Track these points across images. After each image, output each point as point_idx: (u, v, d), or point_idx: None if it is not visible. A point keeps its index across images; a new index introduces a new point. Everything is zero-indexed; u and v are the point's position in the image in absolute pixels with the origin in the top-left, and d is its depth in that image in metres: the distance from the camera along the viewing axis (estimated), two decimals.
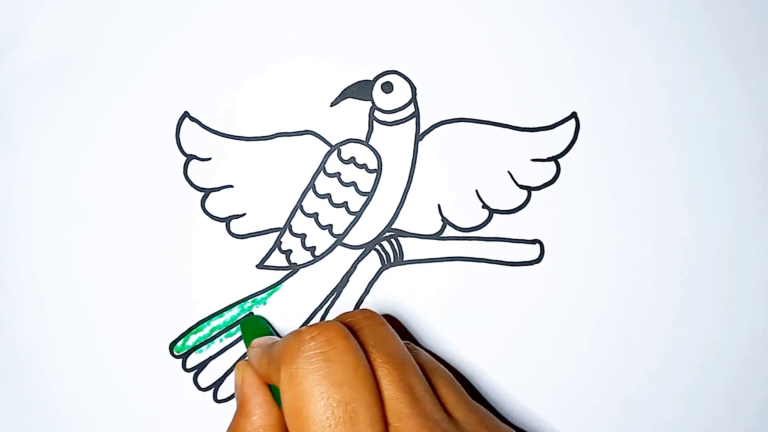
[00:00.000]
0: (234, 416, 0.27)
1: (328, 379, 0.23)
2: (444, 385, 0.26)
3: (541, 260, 0.31)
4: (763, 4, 0.32)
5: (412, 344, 0.28)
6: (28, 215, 0.32)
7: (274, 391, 0.26)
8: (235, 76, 0.32)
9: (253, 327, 0.29)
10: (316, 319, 0.32)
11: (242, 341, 0.32)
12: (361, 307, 0.31)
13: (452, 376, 0.27)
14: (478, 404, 0.27)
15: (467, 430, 0.25)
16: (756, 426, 0.31)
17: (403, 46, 0.32)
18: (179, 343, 0.32)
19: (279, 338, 0.27)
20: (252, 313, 0.31)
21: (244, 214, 0.32)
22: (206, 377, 0.32)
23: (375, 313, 0.26)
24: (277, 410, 0.26)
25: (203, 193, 0.32)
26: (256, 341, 0.28)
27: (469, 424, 0.25)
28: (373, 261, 0.32)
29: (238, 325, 0.32)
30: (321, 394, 0.23)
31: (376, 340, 0.25)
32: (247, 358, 0.28)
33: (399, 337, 0.26)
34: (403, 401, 0.24)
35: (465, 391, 0.27)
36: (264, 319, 0.31)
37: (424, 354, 0.27)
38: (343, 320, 0.26)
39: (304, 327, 0.24)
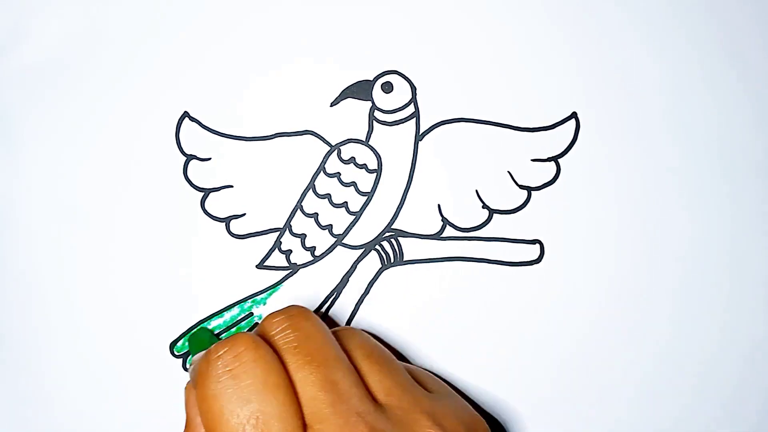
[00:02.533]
0: None
1: (236, 395, 0.23)
2: (377, 371, 0.26)
3: (541, 260, 0.31)
4: (764, 5, 0.32)
5: (349, 328, 0.28)
6: (28, 215, 0.32)
7: None
8: (235, 76, 0.32)
9: (197, 343, 0.29)
10: None
11: None
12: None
13: (390, 356, 0.27)
14: (417, 385, 0.26)
15: (398, 415, 0.25)
16: (756, 427, 0.31)
17: (403, 46, 0.32)
18: (179, 343, 0.32)
19: None
20: (202, 327, 0.31)
21: (244, 214, 0.32)
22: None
23: (302, 308, 0.26)
24: None
25: (203, 193, 0.32)
26: (194, 358, 0.27)
27: (402, 409, 0.25)
28: (373, 261, 0.32)
29: (238, 326, 0.32)
30: (230, 413, 0.23)
31: (298, 340, 0.25)
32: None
33: (327, 330, 0.26)
34: (324, 401, 0.24)
35: (405, 372, 0.26)
36: (207, 330, 0.31)
37: (357, 338, 0.27)
38: (264, 324, 0.26)
39: (214, 345, 0.24)
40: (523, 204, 0.32)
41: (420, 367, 0.30)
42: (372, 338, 0.28)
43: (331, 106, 0.32)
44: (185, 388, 0.27)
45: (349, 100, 0.32)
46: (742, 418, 0.31)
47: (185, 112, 0.32)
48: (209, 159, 0.32)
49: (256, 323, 0.32)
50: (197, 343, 0.28)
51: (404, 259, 0.32)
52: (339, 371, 0.24)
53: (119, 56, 0.32)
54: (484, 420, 0.27)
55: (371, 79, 0.32)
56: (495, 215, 0.32)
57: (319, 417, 0.23)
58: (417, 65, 0.32)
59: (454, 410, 0.26)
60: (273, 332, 0.25)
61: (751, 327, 0.31)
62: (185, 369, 0.32)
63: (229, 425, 0.23)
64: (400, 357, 0.31)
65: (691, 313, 0.31)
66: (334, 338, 0.26)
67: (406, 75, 0.32)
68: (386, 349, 0.27)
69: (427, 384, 0.28)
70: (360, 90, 0.32)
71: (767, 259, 0.31)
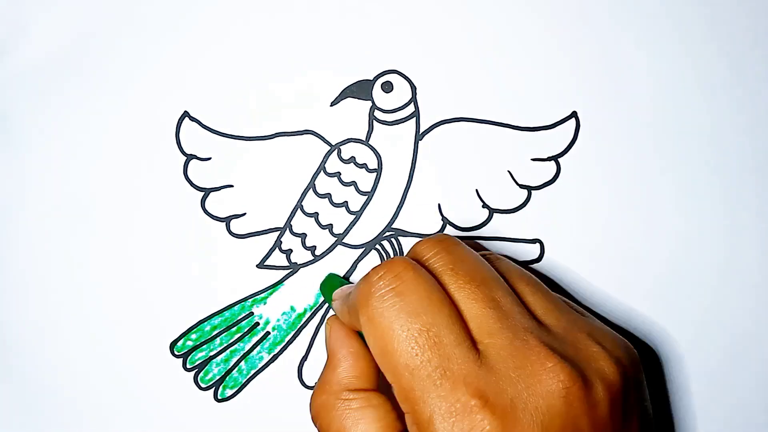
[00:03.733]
0: (323, 369, 0.27)
1: (403, 311, 0.23)
2: (530, 292, 0.26)
3: (541, 259, 0.31)
4: (761, 4, 0.32)
5: (493, 253, 0.28)
6: (28, 215, 0.32)
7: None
8: (236, 76, 0.32)
9: (329, 285, 0.29)
10: (316, 320, 0.32)
11: (244, 339, 0.32)
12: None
13: (538, 280, 0.27)
14: (567, 306, 0.26)
15: (560, 333, 0.24)
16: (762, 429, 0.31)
17: (403, 46, 0.32)
18: (179, 343, 0.32)
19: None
20: (330, 273, 0.31)
21: (244, 214, 0.32)
22: (207, 377, 0.32)
23: (448, 235, 0.26)
24: (363, 360, 0.26)
25: (203, 193, 0.32)
26: (335, 293, 0.28)
27: (562, 328, 0.25)
28: (373, 261, 0.32)
29: (238, 325, 0.32)
30: (400, 327, 0.23)
31: (453, 262, 0.25)
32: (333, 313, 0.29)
33: (476, 253, 0.26)
34: (491, 317, 0.24)
35: (554, 294, 0.26)
36: (336, 275, 0.31)
37: (505, 261, 0.27)
38: (416, 250, 0.26)
39: (372, 269, 0.24)
40: (523, 203, 0.32)
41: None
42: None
43: (331, 105, 0.32)
44: (326, 323, 0.27)
45: (349, 99, 0.32)
46: (745, 423, 0.31)
47: (185, 112, 0.32)
48: (209, 159, 0.32)
49: (257, 323, 0.32)
50: (329, 286, 0.29)
51: None
52: (499, 290, 0.24)
53: (119, 56, 0.32)
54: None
55: (371, 78, 0.32)
56: (495, 214, 0.32)
57: (488, 331, 0.23)
58: (417, 65, 0.32)
59: (609, 332, 0.26)
60: (426, 257, 0.25)
61: (753, 326, 0.31)
62: (185, 369, 0.32)
63: (400, 340, 0.23)
64: None
65: (691, 312, 0.31)
66: (486, 261, 0.26)
67: (406, 75, 0.32)
68: (531, 274, 0.27)
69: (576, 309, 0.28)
70: (360, 90, 0.32)
71: (762, 259, 0.31)
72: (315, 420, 0.26)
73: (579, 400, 0.23)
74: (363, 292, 0.24)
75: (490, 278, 0.25)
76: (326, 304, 0.32)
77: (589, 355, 0.24)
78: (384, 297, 0.24)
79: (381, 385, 0.26)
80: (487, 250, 0.30)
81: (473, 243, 0.31)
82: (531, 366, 0.23)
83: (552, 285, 0.31)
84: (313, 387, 0.31)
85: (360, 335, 0.27)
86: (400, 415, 0.25)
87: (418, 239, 0.31)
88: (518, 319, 0.24)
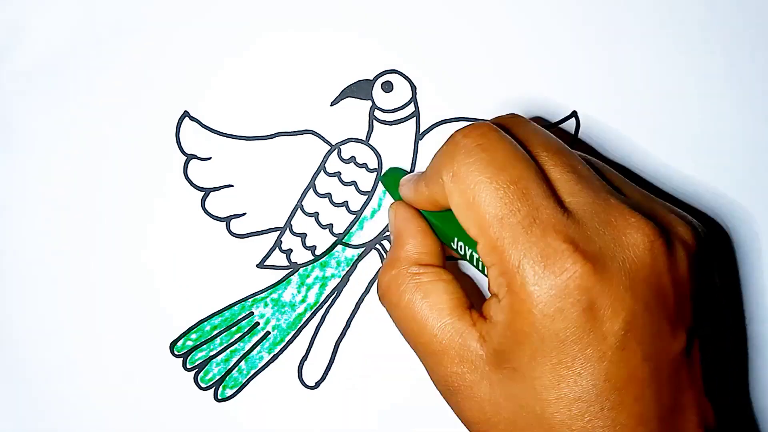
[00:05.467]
0: (390, 249, 0.27)
1: (492, 165, 0.23)
2: (606, 170, 0.26)
3: None
4: (762, 4, 0.32)
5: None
6: (27, 215, 0.32)
7: (429, 221, 0.27)
8: (236, 76, 0.32)
9: (393, 176, 0.29)
10: (316, 320, 0.32)
11: (244, 339, 0.32)
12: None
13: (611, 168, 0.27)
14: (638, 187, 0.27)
15: (638, 202, 0.25)
16: None
17: (403, 46, 0.32)
18: (179, 343, 0.32)
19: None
20: (391, 167, 0.31)
21: (245, 214, 0.32)
22: (207, 377, 0.32)
23: (522, 115, 0.27)
24: (431, 238, 0.27)
25: (203, 193, 0.32)
26: (404, 179, 0.28)
27: (638, 198, 0.25)
28: (373, 260, 0.32)
29: (238, 325, 0.32)
30: (489, 178, 0.23)
31: (529, 132, 0.25)
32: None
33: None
34: (571, 180, 0.24)
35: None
36: (399, 168, 0.31)
37: (579, 152, 0.27)
38: (493, 121, 0.26)
39: (455, 131, 0.25)
40: None
41: None
42: None
43: (332, 105, 0.32)
44: (390, 209, 0.28)
45: (349, 99, 0.32)
46: None
47: (185, 112, 0.32)
48: (209, 159, 0.32)
49: (257, 323, 0.32)
50: (392, 178, 0.29)
51: None
52: (575, 158, 0.25)
53: (119, 56, 0.32)
54: None
55: (371, 78, 0.32)
56: None
57: (570, 192, 0.24)
58: (417, 65, 0.32)
59: (680, 211, 0.26)
60: (504, 126, 0.25)
61: (756, 327, 0.31)
62: (185, 369, 0.32)
63: (488, 190, 0.23)
64: (401, 358, 0.31)
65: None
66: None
67: (406, 74, 0.32)
68: None
69: None
70: (360, 89, 0.32)
71: (766, 259, 0.31)
72: (383, 297, 0.27)
73: (663, 254, 0.23)
74: (448, 150, 0.24)
75: (567, 148, 0.25)
76: (326, 304, 0.32)
77: (668, 220, 0.24)
78: (471, 152, 0.24)
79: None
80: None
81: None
82: (615, 221, 0.23)
83: None
84: (314, 386, 0.31)
85: (424, 216, 0.27)
86: (468, 292, 0.26)
87: None
88: (597, 183, 0.24)
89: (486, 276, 0.24)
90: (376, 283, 0.27)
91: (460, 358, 0.24)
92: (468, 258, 0.26)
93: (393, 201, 0.29)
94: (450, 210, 0.25)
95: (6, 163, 0.32)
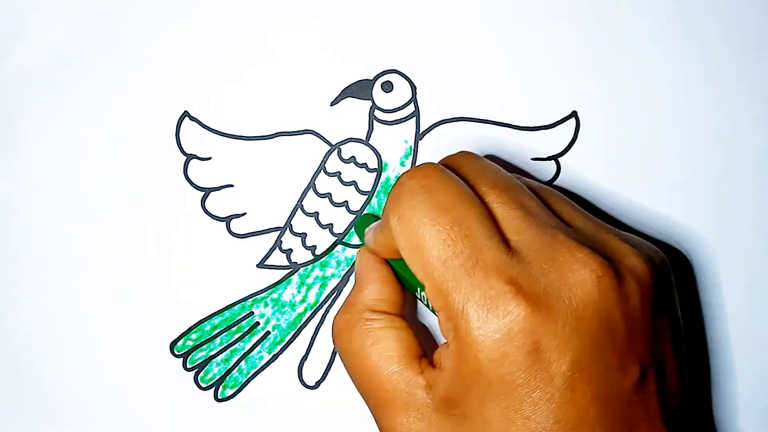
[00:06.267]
0: (349, 293, 0.27)
1: (435, 207, 0.23)
2: (557, 201, 0.26)
3: None
4: (761, 4, 0.32)
5: (518, 175, 0.28)
6: (27, 215, 0.32)
7: (394, 267, 0.27)
8: (235, 76, 0.32)
9: (365, 223, 0.29)
10: (316, 320, 0.32)
11: (244, 339, 0.32)
12: None
13: (563, 195, 0.27)
14: (593, 217, 0.26)
15: (589, 235, 0.24)
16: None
17: (403, 46, 0.32)
18: (179, 343, 0.32)
19: None
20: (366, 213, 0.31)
21: (245, 214, 0.32)
22: (207, 377, 0.32)
23: (472, 152, 0.27)
24: (390, 286, 0.27)
25: (203, 193, 0.32)
26: (367, 228, 0.28)
27: (590, 230, 0.25)
28: None
29: (238, 325, 0.32)
30: (432, 221, 0.23)
31: (477, 171, 0.25)
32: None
33: (497, 165, 0.26)
34: (518, 217, 0.24)
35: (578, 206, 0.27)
36: (371, 214, 0.31)
37: (531, 181, 0.27)
38: (442, 162, 0.26)
39: (401, 174, 0.25)
40: None
41: None
42: None
43: (332, 105, 0.32)
44: (358, 253, 0.28)
45: (349, 99, 0.32)
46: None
47: (185, 112, 0.32)
48: (209, 159, 0.32)
49: (257, 323, 0.32)
50: (363, 225, 0.29)
51: None
52: (524, 194, 0.25)
53: (119, 56, 0.32)
54: None
55: (371, 78, 0.32)
56: None
57: (516, 229, 0.23)
58: (417, 65, 0.32)
59: (637, 237, 0.26)
60: (452, 166, 0.26)
61: (756, 328, 0.31)
62: (185, 369, 0.32)
63: (431, 234, 0.23)
64: None
65: (691, 311, 0.31)
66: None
67: (406, 74, 0.32)
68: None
69: None
70: (360, 89, 0.32)
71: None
72: (335, 339, 0.27)
73: (611, 289, 0.22)
74: (394, 193, 0.24)
75: (515, 184, 0.25)
76: (326, 304, 0.32)
77: (620, 252, 0.24)
78: (414, 195, 0.24)
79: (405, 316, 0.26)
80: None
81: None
82: (562, 257, 0.23)
83: None
84: (314, 386, 0.31)
85: (389, 263, 0.27)
86: (420, 342, 0.25)
87: None
88: (545, 218, 0.24)
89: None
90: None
91: (406, 407, 0.24)
92: (428, 308, 0.26)
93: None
94: None
95: (6, 163, 0.32)
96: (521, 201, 0.24)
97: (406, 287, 0.27)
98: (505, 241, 0.23)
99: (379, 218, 0.30)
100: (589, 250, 0.23)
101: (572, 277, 0.22)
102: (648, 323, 0.23)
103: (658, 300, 0.24)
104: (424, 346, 0.26)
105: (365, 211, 0.31)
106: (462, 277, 0.22)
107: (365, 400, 0.26)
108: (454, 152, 0.27)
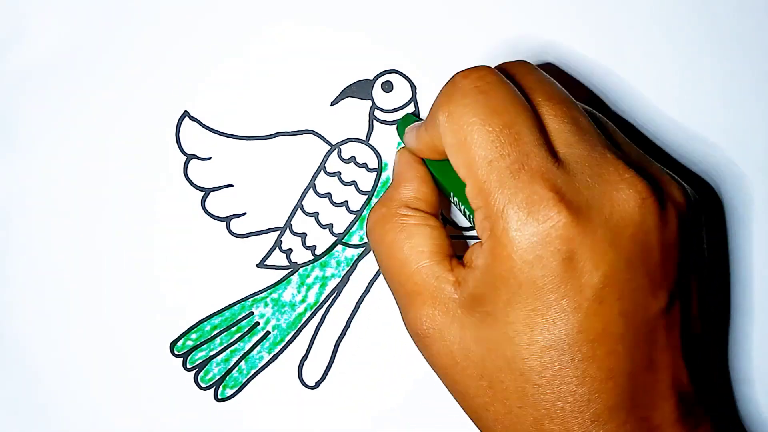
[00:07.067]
0: (386, 189, 0.28)
1: (487, 107, 0.23)
2: (607, 125, 0.26)
3: None
4: (761, 4, 0.32)
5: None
6: (27, 215, 0.32)
7: (431, 168, 0.27)
8: (235, 76, 0.32)
9: (406, 124, 0.29)
10: (316, 320, 0.32)
11: (244, 339, 0.32)
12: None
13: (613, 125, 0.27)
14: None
15: (635, 160, 0.25)
16: None
17: (403, 46, 0.32)
18: (179, 343, 0.32)
19: None
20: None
21: (245, 214, 0.32)
22: (207, 377, 0.32)
23: (530, 62, 0.26)
24: (427, 186, 0.27)
25: (203, 193, 0.32)
26: (408, 128, 0.28)
27: (636, 156, 0.25)
28: (373, 260, 0.32)
29: (238, 325, 0.32)
30: (482, 121, 0.23)
31: (533, 81, 0.25)
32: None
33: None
34: (569, 131, 0.24)
35: None
36: (413, 115, 0.31)
37: (585, 105, 0.27)
38: (498, 67, 0.26)
39: (456, 72, 0.24)
40: None
41: None
42: None
43: (332, 105, 0.32)
44: (397, 153, 0.28)
45: (349, 99, 0.32)
46: None
47: (185, 111, 0.32)
48: (209, 158, 0.32)
49: (257, 323, 0.32)
50: (405, 125, 0.29)
51: None
52: (578, 112, 0.25)
53: (119, 56, 0.32)
54: None
55: (371, 78, 0.32)
56: None
57: (566, 143, 0.23)
58: (417, 65, 0.32)
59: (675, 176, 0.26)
60: (508, 73, 0.25)
61: (757, 329, 0.31)
62: (185, 369, 0.32)
63: (480, 132, 0.23)
64: (401, 358, 0.31)
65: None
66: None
67: (406, 75, 0.32)
68: None
69: None
70: (360, 89, 0.32)
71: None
72: (369, 232, 0.27)
73: (653, 214, 0.23)
74: (446, 91, 0.24)
75: (570, 99, 0.25)
76: (326, 303, 0.32)
77: (663, 180, 0.24)
78: (467, 94, 0.23)
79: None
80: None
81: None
82: (608, 175, 0.23)
83: None
84: (314, 386, 0.31)
85: (426, 164, 0.27)
86: (453, 244, 0.26)
87: None
88: (596, 136, 0.24)
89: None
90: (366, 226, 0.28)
91: (433, 300, 0.24)
92: (462, 212, 0.26)
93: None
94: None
95: (6, 163, 0.32)
96: (574, 116, 0.24)
97: (441, 191, 0.27)
98: (553, 153, 0.23)
99: (420, 119, 0.30)
100: (635, 172, 0.23)
101: (616, 195, 0.23)
102: (679, 255, 0.23)
103: (692, 235, 0.24)
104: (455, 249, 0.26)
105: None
106: (506, 178, 0.22)
107: (393, 292, 0.26)
108: (512, 61, 0.26)
